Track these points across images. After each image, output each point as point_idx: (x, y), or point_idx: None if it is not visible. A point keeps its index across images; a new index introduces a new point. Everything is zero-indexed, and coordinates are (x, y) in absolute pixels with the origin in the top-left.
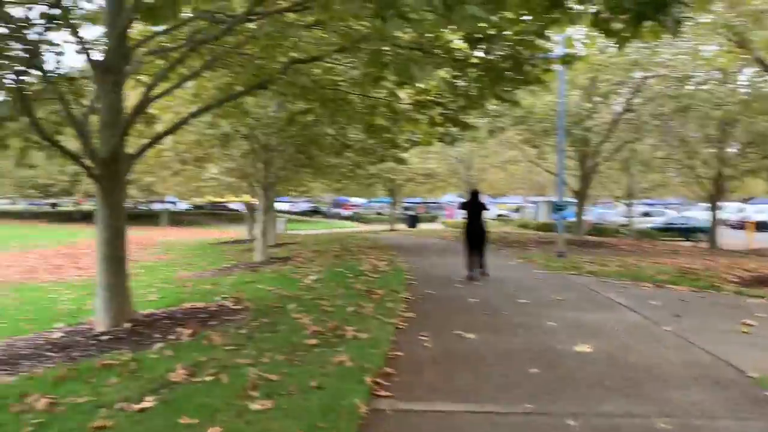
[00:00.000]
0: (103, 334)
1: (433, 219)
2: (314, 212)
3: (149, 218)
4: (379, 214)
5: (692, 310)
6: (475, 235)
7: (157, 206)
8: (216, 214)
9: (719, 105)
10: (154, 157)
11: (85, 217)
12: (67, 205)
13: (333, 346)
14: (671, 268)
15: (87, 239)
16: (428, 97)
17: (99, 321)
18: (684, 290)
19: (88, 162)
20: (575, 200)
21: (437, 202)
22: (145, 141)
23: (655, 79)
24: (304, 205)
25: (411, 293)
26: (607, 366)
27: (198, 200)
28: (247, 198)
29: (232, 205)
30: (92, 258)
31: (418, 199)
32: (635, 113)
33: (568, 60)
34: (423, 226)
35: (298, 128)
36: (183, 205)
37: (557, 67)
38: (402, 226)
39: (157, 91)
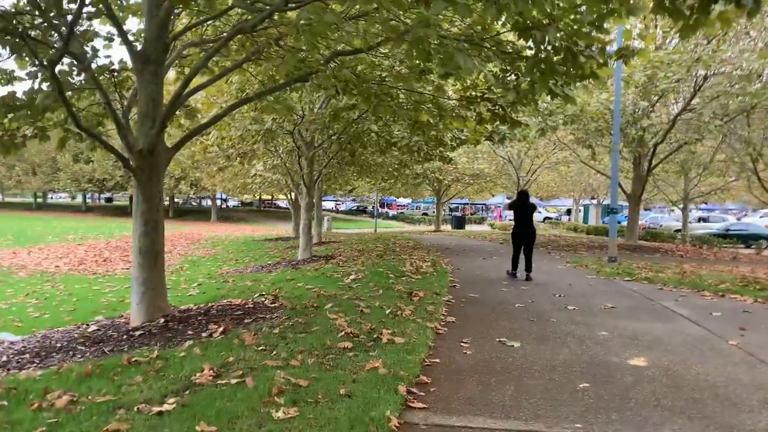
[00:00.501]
0: (136, 329)
1: (480, 220)
2: (360, 211)
3: (199, 214)
4: (425, 214)
5: (759, 323)
6: (524, 237)
7: (207, 202)
8: (264, 211)
9: None
10: (200, 153)
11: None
12: (121, 199)
13: (367, 350)
14: (733, 276)
15: None
16: (476, 93)
17: (134, 316)
18: (748, 301)
19: (126, 154)
20: (628, 203)
21: (485, 204)
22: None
23: (717, 77)
24: (350, 204)
25: (453, 296)
26: (665, 383)
27: (247, 197)
28: (291, 195)
29: (280, 203)
30: None
31: (465, 200)
32: (695, 112)
33: (625, 54)
34: (470, 228)
35: (343, 125)
36: (233, 202)
37: (613, 63)
38: (448, 227)
39: (197, 82)
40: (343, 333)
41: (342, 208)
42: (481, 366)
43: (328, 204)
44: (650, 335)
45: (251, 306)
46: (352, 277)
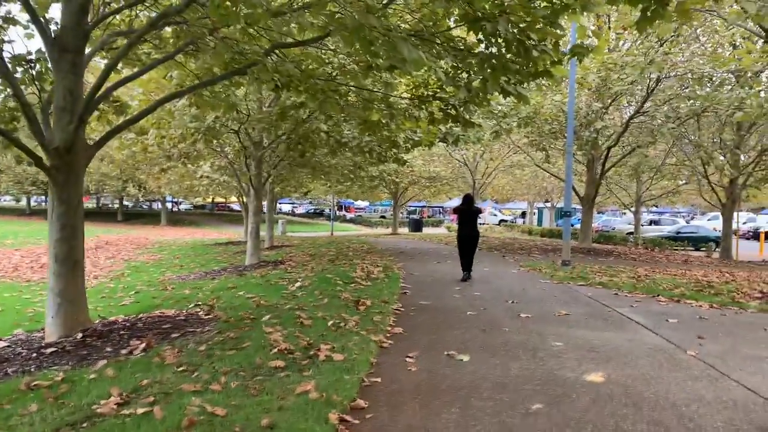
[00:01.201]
0: (49, 345)
1: (437, 223)
2: (317, 214)
3: (149, 217)
4: (382, 217)
5: (716, 330)
6: (466, 239)
7: (158, 205)
8: (218, 214)
9: (739, 107)
10: (141, 153)
11: (86, 215)
12: None
13: (301, 370)
14: (687, 280)
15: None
16: (427, 92)
17: (49, 330)
18: (704, 307)
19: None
20: (582, 206)
21: (442, 207)
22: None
23: (670, 80)
24: (307, 207)
25: (403, 304)
26: (625, 403)
27: (199, 200)
28: (240, 198)
29: (234, 206)
30: (87, 257)
31: (422, 203)
32: (647, 115)
33: (579, 51)
34: (427, 231)
35: (291, 124)
36: (185, 205)
37: (567, 61)
38: (405, 230)
39: (123, 75)
40: (277, 350)
41: (300, 210)
42: (426, 385)
43: (284, 207)
44: (607, 345)
45: (183, 318)
46: (297, 284)
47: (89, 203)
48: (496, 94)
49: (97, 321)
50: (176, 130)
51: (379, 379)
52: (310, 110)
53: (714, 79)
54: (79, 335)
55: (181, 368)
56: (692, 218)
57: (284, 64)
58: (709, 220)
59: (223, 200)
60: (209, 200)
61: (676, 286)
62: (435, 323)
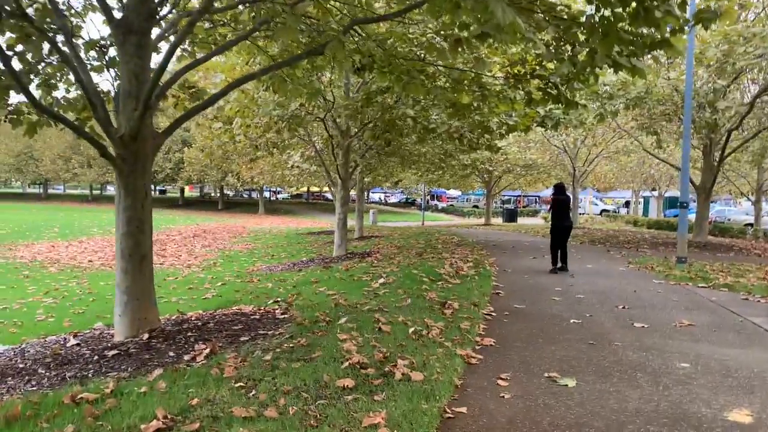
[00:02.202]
0: (113, 347)
1: (533, 213)
2: (409, 203)
3: (248, 206)
4: (475, 207)
5: None
6: (558, 231)
7: (257, 195)
8: (312, 203)
9: None
10: (229, 143)
11: (189, 204)
12: (172, 191)
13: (372, 392)
14: None
15: (183, 225)
16: (524, 69)
17: (117, 330)
18: None
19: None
20: (697, 196)
21: (538, 196)
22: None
23: None
24: (399, 196)
25: (494, 307)
26: None
27: (292, 189)
28: (330, 188)
29: (329, 195)
30: (178, 245)
31: (517, 192)
32: None
33: (706, 17)
34: (522, 221)
35: (377, 110)
36: (283, 195)
37: (691, 28)
38: (499, 221)
39: (187, 57)
40: (348, 363)
41: (392, 200)
42: (523, 419)
43: (375, 196)
44: (746, 368)
45: (258, 317)
46: (381, 280)
47: (193, 192)
48: (606, 68)
49: (167, 318)
50: (261, 119)
51: (464, 410)
52: (396, 96)
53: None
54: (146, 336)
55: (239, 384)
56: None
57: (366, 43)
58: None
59: (317, 189)
60: (304, 189)
61: None
62: (532, 333)
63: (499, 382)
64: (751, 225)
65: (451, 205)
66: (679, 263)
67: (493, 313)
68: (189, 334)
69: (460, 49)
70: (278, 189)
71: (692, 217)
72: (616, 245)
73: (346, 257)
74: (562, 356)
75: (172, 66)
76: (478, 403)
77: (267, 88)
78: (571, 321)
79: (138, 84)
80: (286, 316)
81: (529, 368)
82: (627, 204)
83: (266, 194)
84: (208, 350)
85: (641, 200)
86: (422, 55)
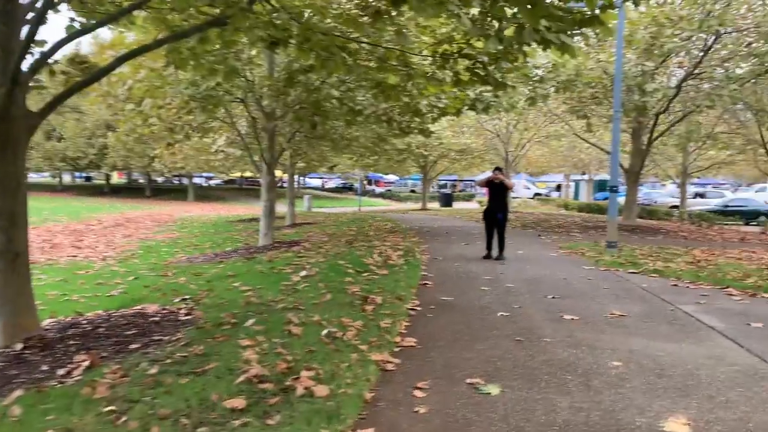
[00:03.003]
0: None
1: (469, 197)
2: (347, 189)
3: (177, 193)
4: (413, 191)
5: None
6: (494, 216)
7: (188, 181)
8: (246, 189)
9: None
10: (141, 126)
11: (116, 191)
12: (99, 178)
13: (266, 413)
14: (757, 266)
15: (106, 214)
16: (451, 48)
17: None
18: None
19: None
20: (626, 179)
21: (474, 180)
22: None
23: (731, 36)
24: (337, 182)
25: (421, 300)
26: None
27: (227, 175)
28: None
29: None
30: (98, 235)
31: (453, 177)
32: (703, 77)
33: None
34: (457, 205)
35: (301, 91)
36: (216, 181)
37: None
38: (436, 205)
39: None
40: (245, 377)
41: (330, 185)
42: None
43: (313, 182)
44: (680, 366)
45: (158, 319)
46: (303, 273)
47: (123, 179)
48: (534, 46)
49: (57, 320)
50: (173, 100)
51: (371, 431)
52: (323, 76)
53: None
54: (19, 346)
55: (110, 407)
56: (735, 190)
57: (279, 15)
58: (756, 191)
59: (252, 175)
60: (238, 175)
61: (747, 274)
62: (457, 330)
63: (416, 392)
64: (677, 207)
65: (389, 190)
66: (609, 248)
67: (419, 308)
68: (72, 342)
69: (381, 23)
70: (211, 175)
71: (621, 200)
72: (548, 229)
73: (272, 247)
74: (488, 356)
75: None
76: (389, 421)
77: (168, 64)
78: (499, 314)
79: (4, 56)
80: (189, 317)
81: (450, 373)
82: (558, 188)
83: (198, 180)
84: (87, 363)
85: (572, 184)
86: (343, 30)
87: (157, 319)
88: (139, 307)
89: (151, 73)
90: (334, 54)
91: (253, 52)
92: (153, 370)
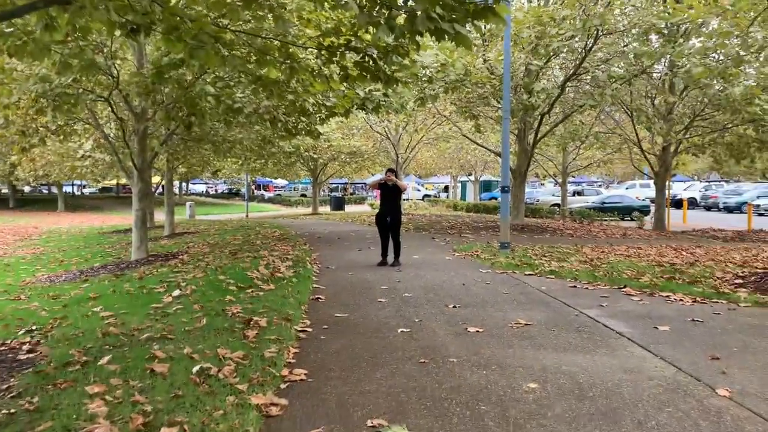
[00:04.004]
0: None
1: (360, 200)
2: (234, 194)
3: (47, 203)
4: (303, 196)
5: (724, 341)
6: (387, 220)
7: (58, 190)
8: (124, 197)
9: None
10: None
11: (24, 204)
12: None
13: None
14: (646, 263)
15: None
16: (338, 41)
17: None
18: (686, 301)
19: None
20: (513, 180)
21: (365, 183)
22: None
23: (611, 36)
24: (224, 187)
25: (312, 319)
26: None
27: (98, 183)
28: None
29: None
30: None
31: (344, 180)
32: (588, 76)
33: None
34: (349, 208)
35: (173, 88)
36: (90, 189)
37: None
38: (327, 209)
39: None
40: None
41: (216, 191)
42: None
43: (198, 187)
44: (600, 385)
45: None
46: (177, 292)
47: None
48: (427, 36)
49: None
50: (22, 96)
51: None
52: (198, 72)
53: (667, 31)
54: None
55: None
56: (607, 187)
57: None
58: (627, 189)
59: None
60: (114, 182)
61: (639, 271)
62: (354, 354)
63: None
64: (558, 205)
65: (278, 194)
66: (503, 248)
67: (310, 329)
68: None
69: (257, 7)
70: (83, 183)
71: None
72: (440, 231)
73: (146, 261)
74: (391, 387)
75: None
76: None
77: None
78: (400, 330)
79: None
80: (31, 355)
81: (348, 414)
82: (446, 189)
83: (69, 189)
84: None
85: (459, 185)
86: (215, 16)
87: None
88: None
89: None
90: (204, 43)
91: (117, 45)
92: None
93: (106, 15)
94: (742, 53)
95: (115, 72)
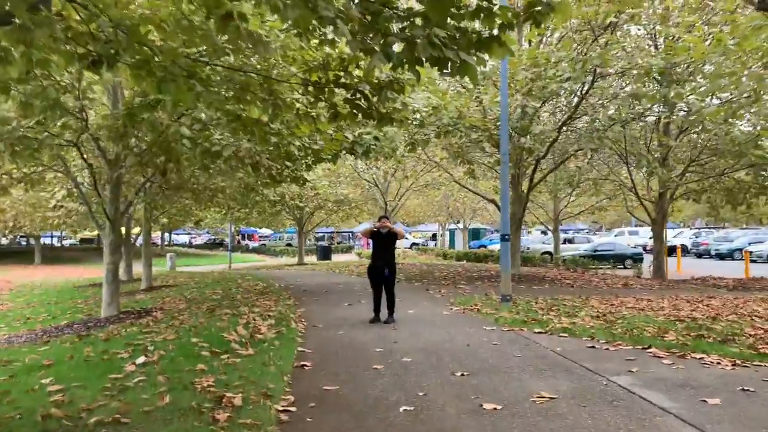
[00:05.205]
0: None
1: (348, 249)
2: (217, 245)
3: (24, 255)
4: (288, 245)
5: None
6: (381, 271)
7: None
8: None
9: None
10: None
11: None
12: None
13: None
14: (665, 317)
15: None
16: (326, 76)
17: None
18: (724, 364)
19: None
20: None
21: (351, 232)
22: None
23: (608, 79)
24: (207, 238)
25: (297, 393)
26: None
27: (85, 234)
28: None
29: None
30: None
31: (330, 229)
32: (588, 118)
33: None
34: (336, 258)
35: (147, 131)
36: (70, 240)
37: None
38: (313, 258)
39: None
40: None
41: (199, 241)
42: None
43: (181, 238)
44: None
45: None
46: (142, 359)
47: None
48: (427, 66)
49: None
50: None
51: None
52: (176, 114)
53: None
54: None
55: None
56: (595, 234)
57: (98, 20)
58: (615, 236)
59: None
60: (95, 233)
61: (661, 328)
62: None
63: None
64: (550, 253)
65: (263, 244)
66: (504, 302)
67: (294, 407)
68: None
69: (233, 31)
70: (62, 234)
71: (496, 247)
72: (434, 282)
73: (117, 318)
74: None
75: None
76: None
77: None
78: (402, 408)
79: None
80: None
81: None
82: (434, 237)
83: (47, 240)
84: None
85: (447, 233)
86: (185, 49)
87: None
88: None
89: None
90: (176, 76)
91: (84, 83)
92: None
93: (59, 43)
94: (761, 92)
95: (86, 115)
